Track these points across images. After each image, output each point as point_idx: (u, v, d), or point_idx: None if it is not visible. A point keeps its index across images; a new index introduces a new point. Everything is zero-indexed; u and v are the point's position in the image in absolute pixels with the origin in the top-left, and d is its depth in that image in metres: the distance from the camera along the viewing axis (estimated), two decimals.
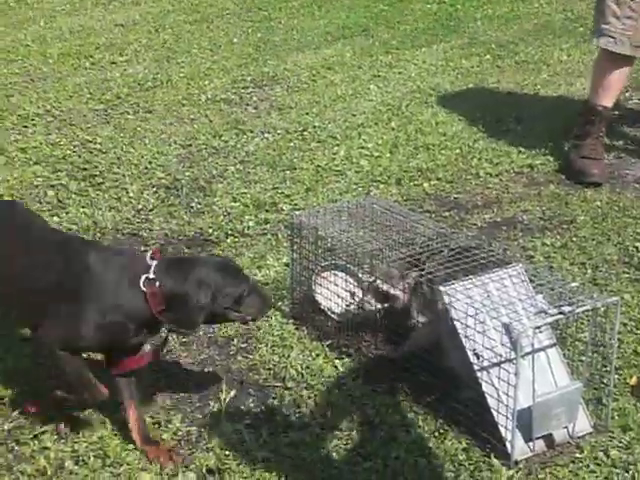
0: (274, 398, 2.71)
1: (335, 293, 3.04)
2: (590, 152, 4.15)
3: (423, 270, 2.64)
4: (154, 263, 2.36)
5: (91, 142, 4.58)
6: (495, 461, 2.38)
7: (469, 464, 2.40)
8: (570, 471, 2.37)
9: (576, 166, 4.16)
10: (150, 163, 4.36)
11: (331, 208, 3.20)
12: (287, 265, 3.29)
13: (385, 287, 2.75)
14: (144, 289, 2.32)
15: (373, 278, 2.80)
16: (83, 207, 3.90)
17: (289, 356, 2.89)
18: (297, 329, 3.03)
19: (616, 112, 4.79)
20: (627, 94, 5.10)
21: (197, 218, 3.85)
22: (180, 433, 2.56)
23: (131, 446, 2.49)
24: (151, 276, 2.33)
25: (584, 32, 6.11)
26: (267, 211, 3.92)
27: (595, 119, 4.17)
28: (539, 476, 2.35)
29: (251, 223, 3.80)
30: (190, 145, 4.60)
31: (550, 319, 2.35)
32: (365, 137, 4.68)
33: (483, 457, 2.41)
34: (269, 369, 2.84)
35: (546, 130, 4.65)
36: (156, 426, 2.58)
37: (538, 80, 5.43)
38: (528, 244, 3.58)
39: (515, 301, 2.47)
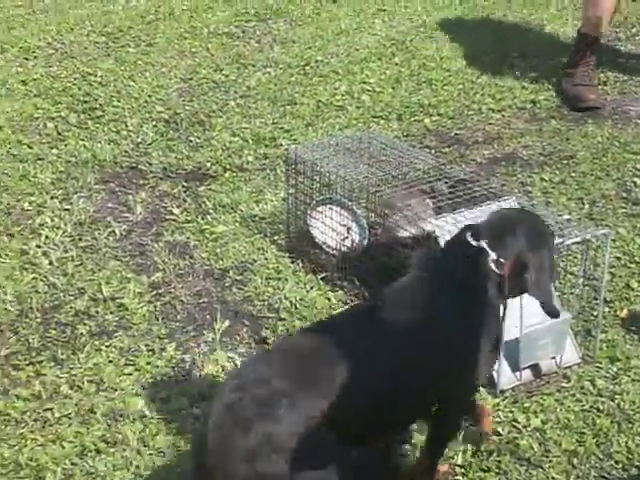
0: (267, 328, 2.75)
1: (330, 227, 3.05)
2: (582, 79, 4.23)
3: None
4: (483, 242, 1.96)
5: (92, 75, 4.55)
6: (482, 389, 2.42)
7: None
8: (556, 400, 2.41)
9: (571, 94, 4.21)
10: (150, 96, 4.34)
11: (328, 142, 3.19)
12: (285, 200, 3.30)
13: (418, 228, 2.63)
14: (499, 272, 1.95)
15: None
16: (82, 140, 3.91)
17: (283, 288, 2.92)
18: (292, 262, 3.05)
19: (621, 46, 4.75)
20: (634, 30, 5.02)
21: (196, 152, 3.85)
22: (174, 360, 2.61)
23: (126, 371, 2.55)
24: (494, 256, 1.95)
25: None
26: (266, 146, 3.91)
27: (586, 48, 4.24)
28: (525, 404, 2.39)
29: (250, 158, 3.81)
30: (191, 79, 4.57)
31: None
32: (368, 72, 4.64)
33: None
34: (263, 300, 2.88)
35: (551, 66, 4.58)
36: (150, 353, 2.63)
37: (546, 15, 5.34)
38: (526, 179, 3.57)
39: None
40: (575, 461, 2.21)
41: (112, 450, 2.28)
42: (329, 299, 2.86)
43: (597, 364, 2.53)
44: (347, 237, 3.09)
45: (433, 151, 3.82)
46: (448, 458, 2.21)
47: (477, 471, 2.19)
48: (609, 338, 2.63)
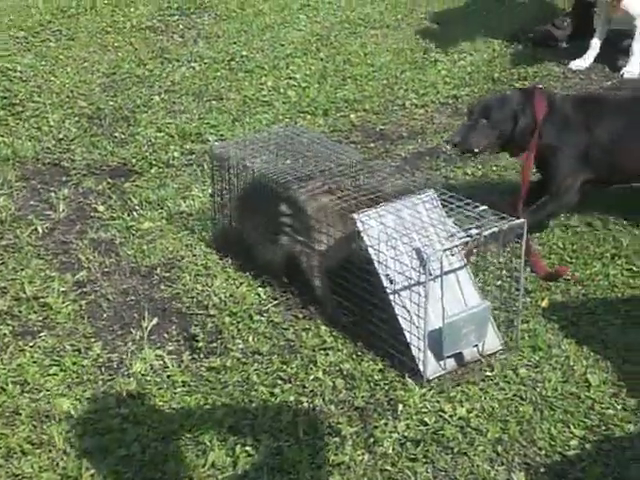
0: (196, 325, 2.74)
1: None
2: None
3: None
4: None
5: (11, 70, 4.45)
6: (409, 380, 2.46)
7: (384, 384, 2.47)
8: (480, 389, 2.46)
9: None
10: (72, 92, 4.27)
11: (254, 138, 3.19)
12: (212, 196, 3.29)
13: None
14: None
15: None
16: (2, 136, 3.82)
17: (212, 285, 2.91)
18: (221, 259, 3.05)
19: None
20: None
21: (120, 148, 3.80)
22: (101, 360, 2.58)
23: (51, 371, 2.51)
24: None
25: None
26: (192, 141, 3.89)
27: None
28: (451, 394, 2.43)
29: (176, 154, 3.78)
30: (114, 74, 4.51)
31: (458, 242, 2.42)
32: (293, 67, 4.65)
33: (398, 377, 2.49)
34: (192, 297, 2.87)
35: (472, 61, 4.68)
36: (76, 353, 2.59)
37: (467, 11, 5.43)
38: (449, 173, 3.63)
39: (427, 226, 2.52)
40: (499, 449, 2.26)
41: (38, 451, 2.24)
42: (259, 295, 2.87)
43: (519, 353, 2.60)
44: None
45: (359, 146, 3.86)
46: (376, 444, 2.25)
47: (405, 461, 2.23)
48: (531, 327, 2.70)
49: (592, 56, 4.60)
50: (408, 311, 2.43)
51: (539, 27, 4.96)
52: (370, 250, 2.48)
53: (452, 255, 2.46)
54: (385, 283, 2.47)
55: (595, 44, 4.57)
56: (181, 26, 5.20)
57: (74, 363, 2.55)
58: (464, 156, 3.31)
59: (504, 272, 2.75)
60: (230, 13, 5.41)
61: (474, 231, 2.37)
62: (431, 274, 2.35)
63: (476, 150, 3.09)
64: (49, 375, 2.50)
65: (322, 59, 4.75)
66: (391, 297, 2.46)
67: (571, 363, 2.55)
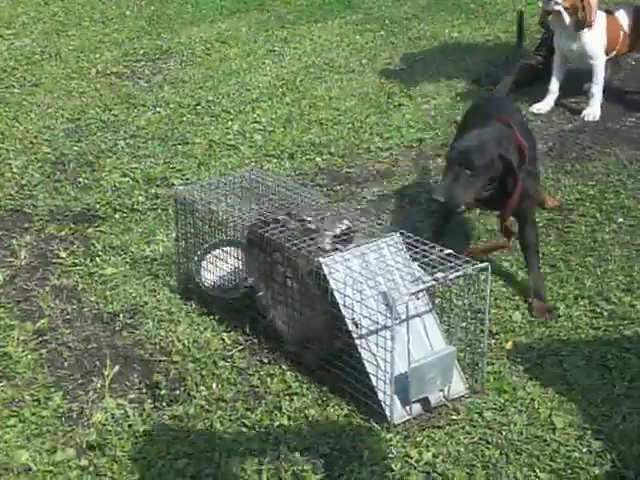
0: (159, 372, 2.70)
1: (225, 270, 3.02)
2: None
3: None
4: None
5: None
6: (375, 425, 2.44)
7: (350, 429, 2.44)
8: (446, 433, 2.45)
9: None
10: (36, 137, 4.25)
11: (218, 181, 3.18)
12: (176, 240, 3.27)
13: None
14: None
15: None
16: None
17: (176, 330, 2.88)
18: (185, 304, 3.02)
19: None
20: None
21: (84, 194, 3.77)
22: (61, 410, 2.53)
23: (10, 422, 2.45)
24: None
25: (475, 9, 6.25)
26: (158, 186, 3.88)
27: None
28: (417, 439, 2.41)
29: (141, 198, 3.76)
30: (79, 119, 4.50)
31: (424, 286, 2.42)
32: (259, 112, 4.67)
33: (364, 422, 2.46)
34: (155, 344, 2.83)
35: (435, 105, 4.73)
36: (35, 404, 2.54)
37: (430, 56, 5.52)
38: (415, 216, 3.65)
39: (393, 270, 2.52)
40: None
41: None
42: (223, 339, 2.84)
43: (485, 396, 2.59)
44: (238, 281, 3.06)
45: (325, 189, 3.87)
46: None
47: None
48: (496, 370, 2.69)
49: (552, 99, 4.67)
50: (374, 355, 2.42)
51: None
52: (336, 294, 2.47)
53: (417, 299, 2.46)
54: (351, 327, 2.45)
55: (554, 86, 4.65)
56: (147, 71, 5.22)
57: (33, 414, 2.50)
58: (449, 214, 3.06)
59: (468, 314, 2.75)
60: (196, 58, 5.45)
61: (440, 275, 2.37)
62: (398, 318, 2.35)
63: (463, 207, 2.82)
64: (7, 427, 2.44)
65: (288, 103, 4.78)
66: (357, 341, 2.45)
67: (536, 405, 2.54)
